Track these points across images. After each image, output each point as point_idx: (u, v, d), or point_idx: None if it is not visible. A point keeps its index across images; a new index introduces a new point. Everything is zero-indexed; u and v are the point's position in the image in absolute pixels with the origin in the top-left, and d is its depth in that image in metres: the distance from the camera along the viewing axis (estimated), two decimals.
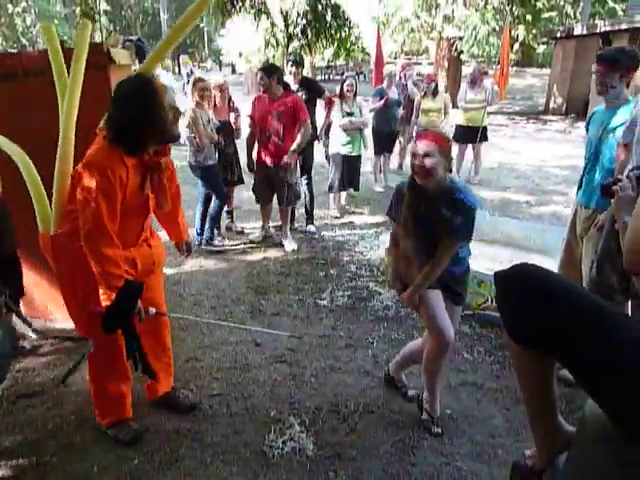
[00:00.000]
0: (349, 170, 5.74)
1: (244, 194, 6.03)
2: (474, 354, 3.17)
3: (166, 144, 2.21)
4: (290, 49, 12.90)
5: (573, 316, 1.15)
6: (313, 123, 5.12)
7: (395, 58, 18.49)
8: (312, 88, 5.14)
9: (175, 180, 2.45)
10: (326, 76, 22.87)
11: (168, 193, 2.29)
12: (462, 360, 3.12)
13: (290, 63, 5.05)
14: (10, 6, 25.15)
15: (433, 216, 2.28)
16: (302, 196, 5.19)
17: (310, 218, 5.48)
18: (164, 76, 9.79)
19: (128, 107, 1.98)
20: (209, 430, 2.51)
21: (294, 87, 4.96)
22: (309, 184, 5.38)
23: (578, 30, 14.33)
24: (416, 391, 2.74)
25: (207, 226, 4.92)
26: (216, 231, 5.25)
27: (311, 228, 5.41)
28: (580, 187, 3.17)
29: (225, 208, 5.45)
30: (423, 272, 2.34)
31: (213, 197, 4.82)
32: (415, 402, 2.69)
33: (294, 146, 4.63)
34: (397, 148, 7.57)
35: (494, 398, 2.75)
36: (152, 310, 2.24)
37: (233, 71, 25.62)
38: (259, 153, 4.82)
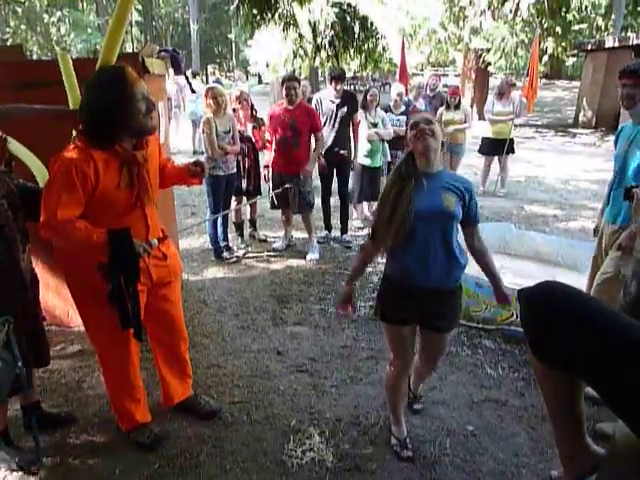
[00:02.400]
0: (370, 181, 5.73)
1: (267, 203, 6.07)
2: (498, 370, 3.12)
3: (140, 137, 2.09)
4: (317, 60, 13.00)
5: (599, 336, 1.12)
6: (348, 136, 5.22)
7: (421, 70, 18.48)
8: (352, 103, 5.18)
9: (157, 162, 2.30)
10: (351, 87, 23.01)
11: (150, 187, 2.14)
12: (485, 376, 3.07)
13: (334, 79, 5.08)
14: (46, 16, 26.00)
15: (438, 197, 2.15)
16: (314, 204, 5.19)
17: (344, 228, 5.48)
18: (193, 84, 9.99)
19: (97, 98, 1.92)
20: (229, 437, 2.52)
21: (336, 100, 5.03)
22: (344, 195, 5.40)
23: (609, 43, 14.10)
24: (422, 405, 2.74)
25: (211, 240, 4.94)
26: (239, 238, 5.30)
27: (345, 237, 5.44)
28: (608, 203, 3.10)
29: (248, 217, 5.52)
30: (493, 273, 2.29)
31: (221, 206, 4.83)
32: (419, 414, 2.70)
33: (313, 156, 4.79)
34: None
35: (518, 416, 2.70)
36: (154, 240, 2.17)
37: (259, 81, 25.94)
38: (274, 160, 4.89)
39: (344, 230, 5.47)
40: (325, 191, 5.39)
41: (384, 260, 5.12)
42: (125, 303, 2.07)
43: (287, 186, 4.80)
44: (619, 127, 3.14)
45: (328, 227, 5.52)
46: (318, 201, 5.34)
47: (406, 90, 7.07)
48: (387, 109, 5.90)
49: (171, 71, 3.83)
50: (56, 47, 25.96)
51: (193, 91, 4.99)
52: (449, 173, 2.34)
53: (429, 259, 2.15)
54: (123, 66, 2.04)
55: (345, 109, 5.07)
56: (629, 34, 15.11)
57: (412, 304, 2.21)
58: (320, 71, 20.93)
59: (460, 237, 2.36)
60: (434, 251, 2.15)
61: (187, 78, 4.97)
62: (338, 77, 5.11)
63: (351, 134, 5.30)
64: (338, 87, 5.07)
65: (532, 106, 7.52)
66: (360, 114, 5.34)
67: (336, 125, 5.10)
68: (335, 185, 5.41)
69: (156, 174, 2.26)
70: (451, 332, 2.34)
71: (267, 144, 5.06)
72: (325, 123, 5.07)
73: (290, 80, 4.68)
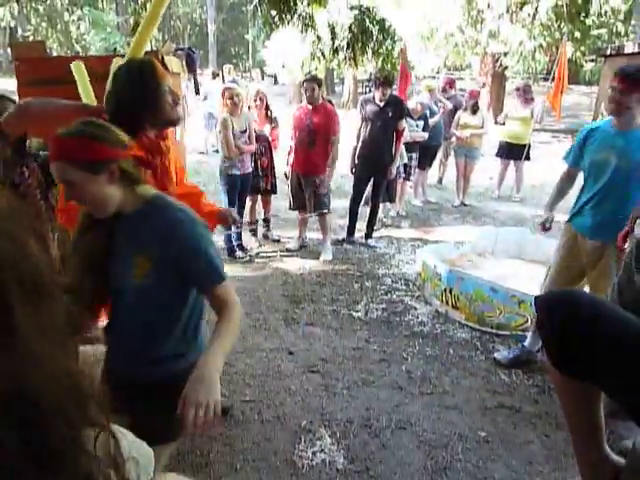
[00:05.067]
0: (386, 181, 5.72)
1: (281, 203, 6.08)
2: (512, 376, 3.08)
3: (165, 128, 2.13)
4: (334, 62, 13.02)
5: (620, 345, 1.09)
6: (390, 141, 5.11)
7: (437, 73, 18.39)
8: (398, 107, 5.06)
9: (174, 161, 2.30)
10: (367, 89, 22.97)
11: (173, 176, 2.16)
12: (499, 381, 3.04)
13: (379, 82, 4.97)
14: (66, 14, 26.34)
15: (129, 263, 1.44)
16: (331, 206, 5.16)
17: (370, 232, 5.41)
18: (210, 83, 10.03)
19: (127, 89, 1.94)
20: (240, 436, 2.52)
21: (380, 103, 4.96)
22: (377, 200, 5.36)
23: (629, 48, 13.92)
24: None
25: (225, 239, 4.90)
26: (253, 238, 5.32)
27: (370, 242, 5.37)
28: (578, 213, 2.90)
29: (262, 216, 5.53)
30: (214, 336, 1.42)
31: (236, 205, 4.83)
32: (431, 419, 2.64)
33: (330, 162, 4.77)
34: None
35: (532, 423, 2.66)
36: None
37: (275, 82, 26.01)
38: (293, 160, 4.92)
39: (369, 234, 5.40)
40: (356, 195, 5.29)
41: (396, 263, 5.06)
42: None
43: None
44: (588, 127, 2.90)
45: (351, 232, 5.40)
46: (338, 203, 5.32)
47: (404, 95, 7.05)
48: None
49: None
50: (76, 45, 26.31)
51: (197, 92, 5.01)
52: (159, 208, 1.45)
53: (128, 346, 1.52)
54: (151, 58, 2.08)
55: (389, 114, 4.96)
56: None
57: None
58: (336, 73, 20.93)
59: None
60: (130, 332, 1.50)
61: (195, 78, 4.99)
62: (384, 81, 4.95)
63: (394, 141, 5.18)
64: (382, 90, 4.90)
65: (560, 112, 7.43)
66: (405, 122, 5.27)
67: (376, 128, 4.97)
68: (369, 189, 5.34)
69: (176, 165, 2.27)
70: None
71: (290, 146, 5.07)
72: (364, 124, 5.02)
73: (309, 81, 4.70)
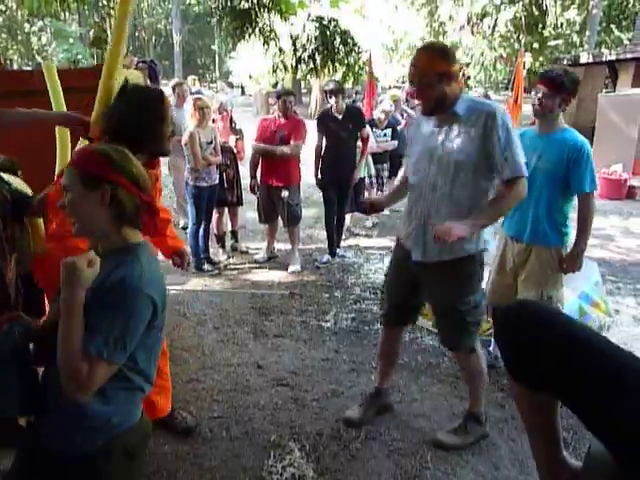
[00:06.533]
0: (355, 192, 5.76)
1: (249, 215, 6.05)
2: None
3: (156, 157, 2.18)
4: (299, 73, 13.12)
5: (577, 356, 1.12)
6: (353, 151, 5.09)
7: (403, 82, 18.74)
8: (357, 118, 5.01)
9: (159, 190, 2.42)
10: None
11: (158, 205, 2.21)
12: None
13: (328, 92, 4.85)
14: (27, 25, 25.77)
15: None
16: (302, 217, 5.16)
17: (337, 242, 5.37)
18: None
19: (136, 115, 1.94)
20: (208, 454, 2.47)
21: (338, 116, 4.87)
22: (342, 212, 5.34)
23: (584, 58, 14.47)
24: None
25: (192, 251, 4.70)
26: (220, 250, 5.27)
27: (338, 252, 5.32)
28: (506, 217, 2.92)
29: (229, 228, 5.48)
30: None
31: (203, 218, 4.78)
32: (400, 427, 2.66)
33: (278, 150, 4.65)
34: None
35: (499, 428, 2.70)
36: None
37: (242, 92, 25.99)
38: (263, 173, 4.89)
39: (337, 244, 5.36)
40: (329, 212, 5.18)
41: (365, 272, 5.07)
42: None
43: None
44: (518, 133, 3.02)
45: (332, 252, 5.27)
46: (305, 213, 5.32)
47: (370, 105, 7.15)
48: (371, 124, 5.88)
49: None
50: (37, 56, 25.74)
51: None
52: (124, 259, 1.33)
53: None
54: (161, 89, 2.15)
55: (350, 125, 4.89)
56: (603, 50, 15.52)
57: None
58: (303, 83, 21.06)
59: None
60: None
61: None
62: (332, 91, 4.81)
63: (358, 150, 5.16)
64: (334, 100, 4.81)
65: (519, 121, 7.63)
66: (368, 129, 5.26)
67: (337, 141, 4.89)
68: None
69: (159, 194, 2.32)
70: None
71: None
72: (326, 138, 4.95)
73: (287, 94, 4.75)
